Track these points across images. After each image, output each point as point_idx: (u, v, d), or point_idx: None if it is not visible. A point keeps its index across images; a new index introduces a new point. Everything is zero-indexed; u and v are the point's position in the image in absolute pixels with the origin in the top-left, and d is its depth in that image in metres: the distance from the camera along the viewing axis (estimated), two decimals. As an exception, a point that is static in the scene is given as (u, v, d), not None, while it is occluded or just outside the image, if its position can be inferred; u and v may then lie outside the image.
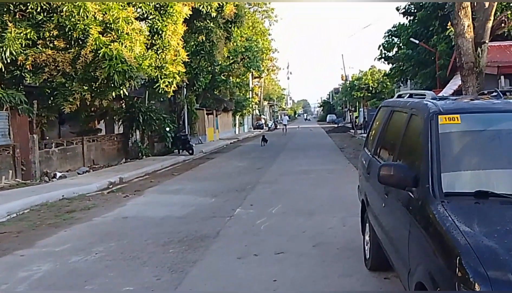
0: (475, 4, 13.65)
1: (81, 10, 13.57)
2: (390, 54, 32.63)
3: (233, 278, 5.72)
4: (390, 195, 4.29)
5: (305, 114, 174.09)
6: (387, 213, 4.48)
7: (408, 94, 5.40)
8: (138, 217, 9.42)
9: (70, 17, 13.62)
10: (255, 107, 62.83)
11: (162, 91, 17.89)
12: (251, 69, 40.14)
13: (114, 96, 16.66)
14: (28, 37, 13.19)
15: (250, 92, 52.91)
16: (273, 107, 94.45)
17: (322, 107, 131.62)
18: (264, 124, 64.30)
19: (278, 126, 65.96)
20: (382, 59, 33.16)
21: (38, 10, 13.67)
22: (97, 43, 13.81)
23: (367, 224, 5.82)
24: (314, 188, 12.33)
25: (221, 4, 21.25)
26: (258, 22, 53.90)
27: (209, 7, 20.29)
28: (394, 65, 32.83)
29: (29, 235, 8.02)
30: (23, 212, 9.86)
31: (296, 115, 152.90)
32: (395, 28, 31.87)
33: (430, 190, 3.35)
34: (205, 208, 10.08)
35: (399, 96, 5.89)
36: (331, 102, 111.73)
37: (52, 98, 15.25)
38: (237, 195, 11.68)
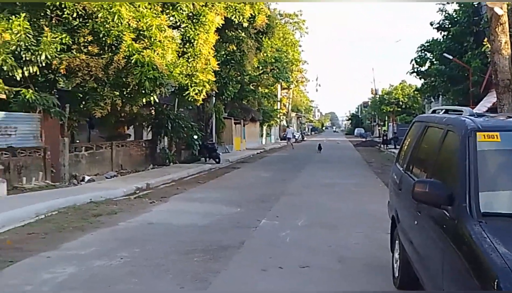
0: (513, 21, 13.36)
1: (116, 17, 13.77)
2: (422, 69, 32.18)
3: (256, 290, 5.62)
4: (423, 212, 4.15)
5: (333, 127, 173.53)
6: (419, 230, 4.33)
7: (443, 110, 5.26)
8: (163, 223, 9.40)
9: (105, 23, 13.84)
10: (282, 118, 62.75)
11: (192, 99, 17.99)
12: (280, 80, 40.20)
13: (144, 103, 16.84)
14: (63, 42, 13.36)
15: (278, 103, 52.88)
16: (300, 118, 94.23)
17: (350, 121, 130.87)
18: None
19: (305, 139, 65.70)
20: (414, 74, 32.69)
21: (74, 15, 13.92)
22: (130, 49, 13.99)
23: (397, 241, 5.65)
24: (339, 202, 12.17)
25: (253, 14, 21.33)
26: (288, 33, 53.98)
27: (241, 17, 20.38)
28: (426, 80, 32.34)
29: (55, 237, 8.07)
30: (51, 213, 9.94)
31: (324, 128, 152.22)
32: (428, 43, 31.43)
33: (467, 209, 3.22)
34: (229, 218, 10.01)
35: (434, 111, 5.74)
36: (360, 116, 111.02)
37: (83, 102, 15.49)
38: (262, 205, 11.58)
